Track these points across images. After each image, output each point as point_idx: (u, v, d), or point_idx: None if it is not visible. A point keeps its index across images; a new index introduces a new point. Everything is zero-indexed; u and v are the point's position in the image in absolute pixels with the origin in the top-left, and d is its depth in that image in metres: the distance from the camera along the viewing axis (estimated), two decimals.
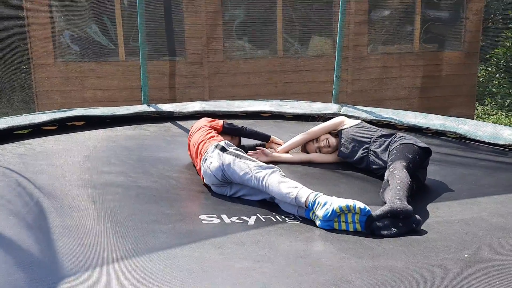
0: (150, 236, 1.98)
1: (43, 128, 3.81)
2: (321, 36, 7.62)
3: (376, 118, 4.34)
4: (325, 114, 4.51)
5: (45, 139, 3.54)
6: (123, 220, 2.13)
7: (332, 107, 4.68)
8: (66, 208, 2.24)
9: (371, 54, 7.66)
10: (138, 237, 1.96)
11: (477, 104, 9.40)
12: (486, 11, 9.97)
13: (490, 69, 10.80)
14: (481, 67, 10.63)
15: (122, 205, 2.31)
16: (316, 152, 3.23)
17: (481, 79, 10.46)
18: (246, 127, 3.22)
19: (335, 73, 5.00)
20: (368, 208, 2.07)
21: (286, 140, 3.34)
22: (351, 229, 2.08)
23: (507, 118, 8.95)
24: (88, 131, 3.82)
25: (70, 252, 1.80)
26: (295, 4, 7.33)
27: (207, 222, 2.16)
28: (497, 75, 10.51)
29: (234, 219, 2.20)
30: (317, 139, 3.21)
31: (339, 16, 4.86)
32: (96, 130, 3.86)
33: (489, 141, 3.61)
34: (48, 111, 4.17)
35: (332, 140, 3.17)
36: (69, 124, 3.98)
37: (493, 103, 9.76)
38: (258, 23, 7.29)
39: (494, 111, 9.41)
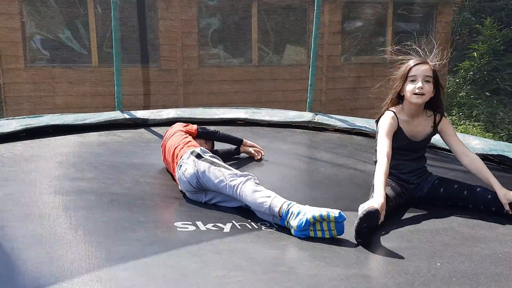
0: (123, 244, 1.94)
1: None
2: (296, 46, 7.71)
3: (350, 127, 4.41)
4: (300, 122, 4.55)
5: (14, 145, 3.44)
6: (96, 228, 2.08)
7: (306, 116, 4.73)
8: (36, 216, 2.17)
9: (345, 64, 7.79)
10: (111, 245, 1.92)
11: (445, 114, 9.65)
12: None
13: (458, 80, 11.13)
14: (449, 79, 10.94)
15: (94, 213, 2.26)
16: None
17: (449, 90, 10.76)
18: (219, 131, 3.23)
19: (309, 82, 5.06)
20: (343, 213, 2.08)
21: (261, 145, 3.37)
22: (327, 236, 2.09)
23: (474, 128, 9.23)
24: (59, 137, 3.73)
25: (41, 262, 1.74)
26: (270, 13, 7.40)
27: (182, 229, 2.13)
28: (465, 86, 10.84)
29: (209, 226, 2.18)
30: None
31: (314, 26, 4.93)
32: (68, 136, 3.78)
33: None
34: (18, 117, 4.06)
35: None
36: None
37: (460, 114, 10.05)
38: (233, 32, 7.33)
39: (462, 121, 9.68)
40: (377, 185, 2.26)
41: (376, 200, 2.18)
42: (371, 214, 2.04)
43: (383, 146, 2.46)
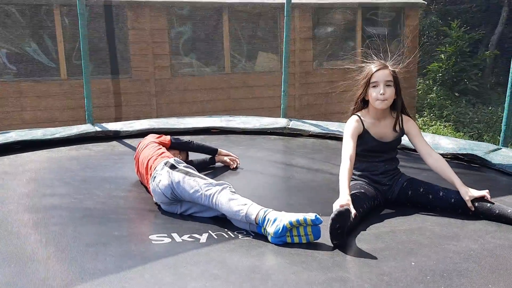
0: (97, 260, 1.90)
1: None
2: (268, 53, 7.75)
3: (324, 131, 4.45)
4: (274, 128, 4.57)
5: None
6: (68, 245, 2.03)
7: (280, 122, 4.75)
8: (5, 235, 2.11)
9: (317, 69, 7.87)
10: (84, 262, 1.87)
11: (417, 116, 9.85)
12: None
13: (427, 82, 11.39)
14: (419, 81, 11.19)
15: (66, 229, 2.21)
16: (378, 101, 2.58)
17: (420, 92, 11.00)
18: (193, 141, 3.21)
19: (282, 88, 5.09)
20: (319, 216, 2.09)
21: (236, 153, 3.35)
22: (304, 241, 2.10)
23: (445, 128, 9.45)
24: (28, 153, 3.64)
25: (11, 282, 1.69)
26: (241, 21, 7.42)
27: (157, 242, 2.10)
28: (434, 88, 11.10)
29: (185, 237, 2.15)
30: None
31: (284, 32, 4.97)
32: (37, 151, 3.68)
33: None
34: None
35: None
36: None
37: (431, 114, 10.27)
38: (205, 40, 7.33)
39: (433, 122, 9.89)
40: (342, 185, 2.33)
41: (342, 198, 2.23)
42: (342, 214, 2.07)
43: (346, 149, 2.53)
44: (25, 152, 3.66)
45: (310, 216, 2.07)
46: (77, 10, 4.43)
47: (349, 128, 2.60)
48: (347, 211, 2.09)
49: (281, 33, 7.19)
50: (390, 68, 2.58)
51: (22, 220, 2.30)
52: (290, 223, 2.07)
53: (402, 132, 2.68)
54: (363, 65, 2.68)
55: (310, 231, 2.09)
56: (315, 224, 2.08)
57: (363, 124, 2.62)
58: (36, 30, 6.38)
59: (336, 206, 2.14)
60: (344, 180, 2.35)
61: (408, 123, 2.68)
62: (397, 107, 2.62)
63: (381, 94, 2.52)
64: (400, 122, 2.65)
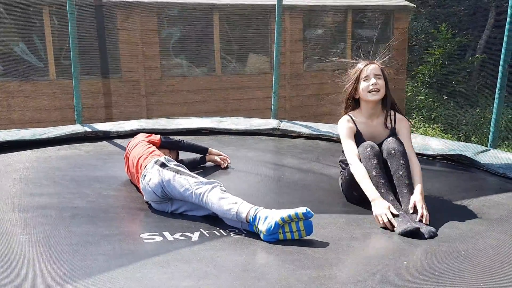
0: (87, 259, 1.87)
1: None
2: (259, 54, 7.76)
3: (314, 133, 4.46)
4: (265, 129, 4.57)
5: None
6: (58, 244, 2.01)
7: (271, 123, 4.75)
8: None
9: (307, 71, 7.89)
10: (74, 261, 1.85)
11: (407, 117, 9.91)
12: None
13: (416, 84, 11.48)
14: (408, 83, 11.27)
15: (56, 228, 2.18)
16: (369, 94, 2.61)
17: (408, 94, 11.08)
18: (183, 140, 3.20)
19: (273, 90, 5.10)
20: (309, 210, 2.09)
21: (227, 153, 3.34)
22: (296, 237, 2.10)
23: (433, 130, 9.52)
24: (17, 152, 3.59)
25: (0, 283, 1.66)
26: (231, 23, 7.42)
27: (148, 240, 2.09)
28: (423, 90, 11.19)
29: (177, 236, 2.14)
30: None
31: (275, 34, 4.98)
32: (26, 151, 3.64)
33: (419, 152, 3.81)
34: None
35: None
36: None
37: (420, 117, 10.35)
38: (196, 41, 7.31)
39: (422, 124, 9.97)
40: (367, 187, 2.38)
41: (380, 204, 2.31)
42: (413, 233, 2.18)
43: (349, 150, 2.54)
44: (12, 152, 3.61)
45: (301, 210, 2.08)
46: (66, 10, 4.40)
47: (343, 129, 2.62)
48: (417, 229, 2.19)
49: (271, 35, 7.20)
50: (377, 63, 2.64)
51: (11, 219, 2.27)
52: (282, 219, 2.07)
53: (394, 131, 2.68)
54: (351, 63, 2.73)
55: (303, 226, 2.10)
56: (307, 217, 2.08)
57: (355, 124, 2.63)
58: (25, 29, 6.32)
59: (379, 212, 2.27)
60: (367, 182, 2.38)
61: (400, 123, 2.69)
62: (387, 103, 2.64)
63: (373, 84, 2.54)
64: (393, 120, 2.66)
